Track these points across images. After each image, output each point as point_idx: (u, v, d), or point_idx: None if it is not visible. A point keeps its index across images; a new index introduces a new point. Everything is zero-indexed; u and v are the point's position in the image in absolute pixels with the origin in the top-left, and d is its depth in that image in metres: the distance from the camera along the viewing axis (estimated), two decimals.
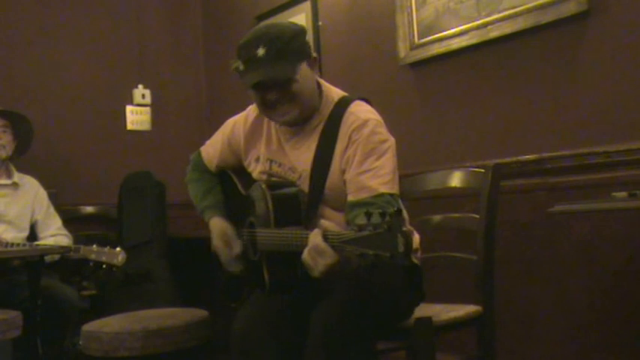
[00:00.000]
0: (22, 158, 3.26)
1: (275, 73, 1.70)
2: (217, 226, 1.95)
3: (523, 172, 2.50)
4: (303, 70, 1.74)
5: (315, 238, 1.46)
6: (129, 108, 4.08)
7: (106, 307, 3.09)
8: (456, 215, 2.17)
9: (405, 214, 1.87)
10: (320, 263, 1.45)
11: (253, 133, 1.93)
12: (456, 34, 2.72)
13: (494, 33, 2.58)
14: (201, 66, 4.40)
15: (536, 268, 2.48)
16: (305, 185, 1.79)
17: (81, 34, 3.93)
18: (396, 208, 1.32)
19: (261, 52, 1.68)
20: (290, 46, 1.71)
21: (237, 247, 1.89)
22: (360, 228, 1.33)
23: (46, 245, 2.92)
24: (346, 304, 1.60)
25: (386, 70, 3.07)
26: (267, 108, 1.79)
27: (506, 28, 2.53)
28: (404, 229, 1.27)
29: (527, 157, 2.49)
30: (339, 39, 3.35)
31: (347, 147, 1.74)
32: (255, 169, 1.91)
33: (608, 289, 2.28)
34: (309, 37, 3.38)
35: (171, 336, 2.22)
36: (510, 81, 2.60)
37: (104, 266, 2.77)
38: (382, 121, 1.77)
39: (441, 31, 2.79)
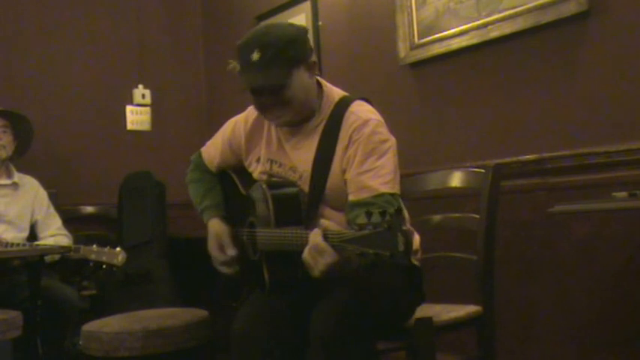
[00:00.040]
0: (22, 158, 3.26)
1: (266, 80, 1.69)
2: (214, 228, 1.96)
3: (523, 172, 2.50)
4: (298, 76, 1.72)
5: (315, 237, 1.46)
6: (129, 108, 4.08)
7: (106, 307, 3.09)
8: (456, 215, 2.17)
9: (405, 213, 1.87)
10: (320, 262, 1.45)
11: (253, 133, 1.93)
12: (456, 34, 2.72)
13: (494, 33, 2.58)
14: (201, 66, 4.40)
15: (536, 268, 2.48)
16: (305, 185, 1.79)
17: (81, 34, 3.93)
18: (396, 208, 1.33)
19: (255, 56, 1.68)
20: (285, 52, 1.69)
21: (230, 251, 1.89)
22: (361, 227, 1.33)
23: (46, 245, 2.92)
24: (346, 304, 1.60)
25: (386, 70, 3.07)
26: (262, 110, 1.80)
27: (506, 28, 2.53)
28: (404, 228, 1.27)
29: (527, 157, 2.49)
30: (339, 39, 3.35)
31: (347, 147, 1.74)
32: (256, 170, 1.91)
33: (608, 289, 2.28)
34: (309, 38, 3.40)
35: (172, 336, 2.22)
36: (510, 81, 2.60)
37: (104, 266, 2.77)
38: (383, 120, 1.77)
39: (441, 31, 2.79)
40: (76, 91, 3.89)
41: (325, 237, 1.44)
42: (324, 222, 1.48)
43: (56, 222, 3.18)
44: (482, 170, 2.04)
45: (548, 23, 2.41)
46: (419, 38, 2.88)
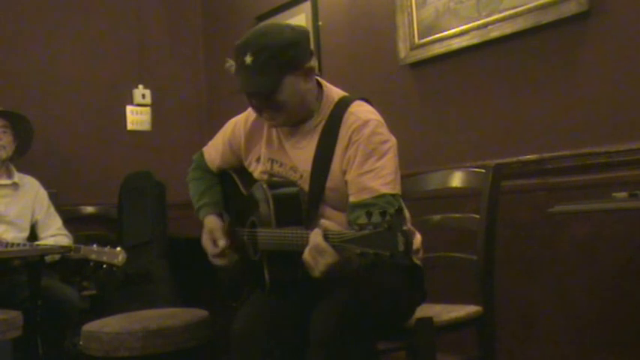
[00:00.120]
0: (23, 158, 3.26)
1: (257, 85, 1.69)
2: (209, 225, 1.97)
3: (523, 172, 2.50)
4: (291, 81, 1.71)
5: (315, 237, 1.46)
6: (129, 108, 4.08)
7: (106, 307, 3.09)
8: (457, 215, 2.17)
9: (406, 213, 1.87)
10: (320, 263, 1.45)
11: (253, 133, 1.93)
12: (456, 35, 2.72)
13: (494, 33, 2.58)
14: (201, 66, 4.40)
15: (536, 269, 2.48)
16: (306, 185, 1.79)
17: (81, 34, 3.93)
18: (396, 208, 1.32)
19: (248, 59, 1.68)
20: (278, 57, 1.68)
21: (221, 243, 1.90)
22: (361, 227, 1.33)
23: (46, 245, 2.92)
24: (346, 304, 1.60)
25: (386, 70, 3.07)
26: (256, 111, 1.82)
27: (507, 29, 2.53)
28: (404, 228, 1.27)
29: (527, 157, 2.49)
30: (339, 39, 3.34)
31: (347, 147, 1.74)
32: (256, 169, 1.91)
33: (608, 289, 2.28)
34: (310, 40, 3.40)
35: (172, 336, 2.22)
36: (510, 81, 2.60)
37: (104, 266, 2.77)
38: (383, 121, 1.77)
39: (441, 32, 2.79)
40: (76, 91, 3.89)
41: (325, 237, 1.44)
42: (324, 222, 1.48)
43: (56, 222, 3.18)
44: (483, 170, 2.04)
45: (549, 23, 2.41)
46: (419, 38, 2.88)
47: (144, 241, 3.48)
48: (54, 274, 3.07)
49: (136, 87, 4.10)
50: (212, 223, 1.97)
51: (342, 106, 1.80)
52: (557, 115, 2.44)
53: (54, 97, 3.80)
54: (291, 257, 1.62)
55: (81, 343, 2.30)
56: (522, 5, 2.47)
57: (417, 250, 1.87)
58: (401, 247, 1.26)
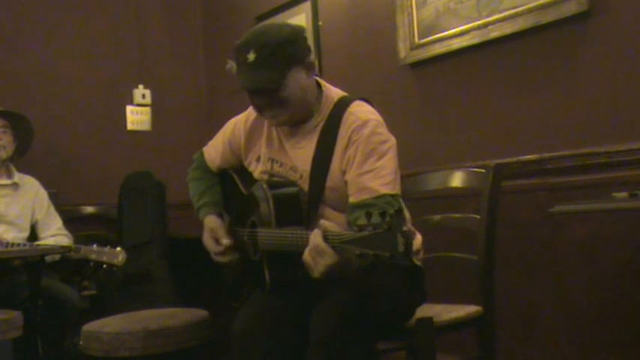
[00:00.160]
0: (23, 158, 3.26)
1: (261, 81, 1.69)
2: (209, 224, 1.97)
3: (524, 172, 2.50)
4: (294, 76, 1.72)
5: (315, 238, 1.46)
6: (129, 108, 4.08)
7: (106, 307, 3.09)
8: (457, 215, 2.17)
9: (406, 214, 1.87)
10: (320, 264, 1.45)
11: (253, 132, 1.93)
12: (457, 35, 2.72)
13: (494, 33, 2.58)
14: (201, 66, 4.40)
15: (536, 269, 2.48)
16: (305, 185, 1.79)
17: (81, 34, 3.93)
18: (396, 208, 1.32)
19: (251, 57, 1.68)
20: (281, 53, 1.69)
21: (224, 241, 1.90)
22: (360, 228, 1.33)
23: (46, 245, 2.92)
24: (346, 304, 1.60)
25: (386, 70, 3.07)
26: (258, 110, 1.81)
27: (507, 29, 2.53)
28: (404, 229, 1.27)
29: (527, 157, 2.49)
30: (339, 39, 3.34)
31: (347, 147, 1.74)
32: (256, 169, 1.91)
33: (608, 289, 2.28)
34: (309, 37, 3.40)
35: (172, 336, 2.22)
36: (511, 81, 2.60)
37: (104, 266, 2.77)
38: (382, 121, 1.77)
39: (441, 32, 2.79)
40: (76, 91, 3.88)
41: (325, 238, 1.44)
42: (323, 223, 1.48)
43: (56, 222, 3.18)
44: (483, 170, 2.04)
45: (549, 23, 2.41)
46: (419, 38, 2.88)
47: (144, 241, 3.48)
48: (54, 274, 3.07)
49: (136, 87, 4.10)
50: (212, 222, 1.97)
51: (342, 106, 1.80)
52: (557, 115, 2.44)
53: (54, 97, 3.80)
54: (291, 257, 1.62)
55: (81, 343, 2.30)
56: (522, 5, 2.47)
57: (418, 251, 1.87)
58: (401, 248, 1.26)
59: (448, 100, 2.84)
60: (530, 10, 2.45)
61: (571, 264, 2.37)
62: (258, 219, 1.82)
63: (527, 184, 2.49)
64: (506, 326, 2.34)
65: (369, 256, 1.29)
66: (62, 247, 2.85)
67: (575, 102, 2.39)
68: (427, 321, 1.77)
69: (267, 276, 1.76)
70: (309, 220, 1.73)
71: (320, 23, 3.44)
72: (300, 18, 3.49)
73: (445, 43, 2.77)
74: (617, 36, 2.27)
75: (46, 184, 3.27)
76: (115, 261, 2.73)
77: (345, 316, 1.58)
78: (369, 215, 1.33)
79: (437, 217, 2.22)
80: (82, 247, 2.79)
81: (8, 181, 3.10)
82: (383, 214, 1.29)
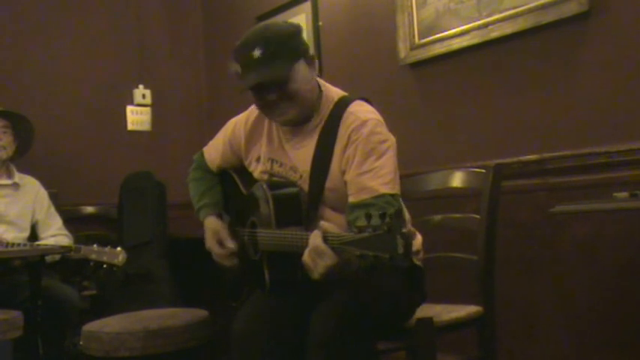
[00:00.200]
0: (23, 158, 3.26)
1: (272, 73, 1.70)
2: (211, 225, 1.97)
3: (524, 172, 2.50)
4: (300, 69, 1.74)
5: (315, 239, 1.46)
6: (129, 108, 4.08)
7: (106, 307, 3.09)
8: (457, 215, 2.17)
9: (406, 214, 1.87)
10: (320, 265, 1.45)
11: (254, 132, 1.93)
12: (457, 35, 2.72)
13: (494, 33, 2.58)
14: (201, 66, 4.39)
15: (536, 269, 2.48)
16: (305, 185, 1.79)
17: (81, 34, 3.93)
18: (396, 209, 1.32)
19: (257, 53, 1.69)
20: (286, 46, 1.71)
21: (229, 245, 1.90)
22: (360, 230, 1.33)
23: (46, 245, 2.92)
24: (346, 305, 1.60)
25: (386, 70, 3.07)
26: (266, 108, 1.80)
27: (507, 29, 2.53)
28: (404, 230, 1.27)
29: (528, 157, 2.49)
30: (339, 39, 3.34)
31: (346, 147, 1.73)
32: (257, 169, 1.91)
33: (608, 289, 2.28)
34: (309, 37, 3.40)
35: (172, 336, 2.22)
36: (511, 81, 2.60)
37: (105, 266, 2.77)
38: (382, 120, 1.77)
39: (441, 32, 2.79)
40: (76, 91, 3.88)
41: (325, 239, 1.44)
42: (323, 224, 1.48)
43: (57, 222, 3.18)
44: (483, 170, 2.04)
45: (549, 23, 2.41)
46: (419, 38, 2.88)
47: (144, 241, 3.48)
48: (54, 274, 3.07)
49: (136, 87, 4.10)
50: (214, 224, 1.96)
51: (342, 105, 1.80)
52: (557, 115, 2.44)
53: (54, 97, 3.80)
54: (291, 258, 1.62)
55: (81, 343, 2.30)
56: (523, 5, 2.47)
57: (418, 252, 1.87)
58: (400, 250, 1.26)
59: (448, 100, 2.84)
60: (530, 10, 2.45)
61: (571, 264, 2.37)
62: (258, 219, 1.82)
63: (527, 184, 2.49)
64: (506, 326, 2.34)
65: (369, 257, 1.29)
66: (62, 247, 2.86)
67: (575, 102, 2.39)
68: (427, 321, 1.77)
69: (267, 276, 1.76)
70: (308, 221, 1.73)
71: (320, 23, 3.44)
72: (300, 18, 3.49)
73: (445, 43, 2.77)
74: (617, 36, 2.27)
75: (46, 184, 3.27)
76: (115, 261, 2.73)
77: (345, 317, 1.58)
78: (368, 216, 1.33)
79: (437, 217, 2.22)
80: (82, 247, 2.80)
81: (8, 182, 3.10)
82: (382, 216, 1.29)
